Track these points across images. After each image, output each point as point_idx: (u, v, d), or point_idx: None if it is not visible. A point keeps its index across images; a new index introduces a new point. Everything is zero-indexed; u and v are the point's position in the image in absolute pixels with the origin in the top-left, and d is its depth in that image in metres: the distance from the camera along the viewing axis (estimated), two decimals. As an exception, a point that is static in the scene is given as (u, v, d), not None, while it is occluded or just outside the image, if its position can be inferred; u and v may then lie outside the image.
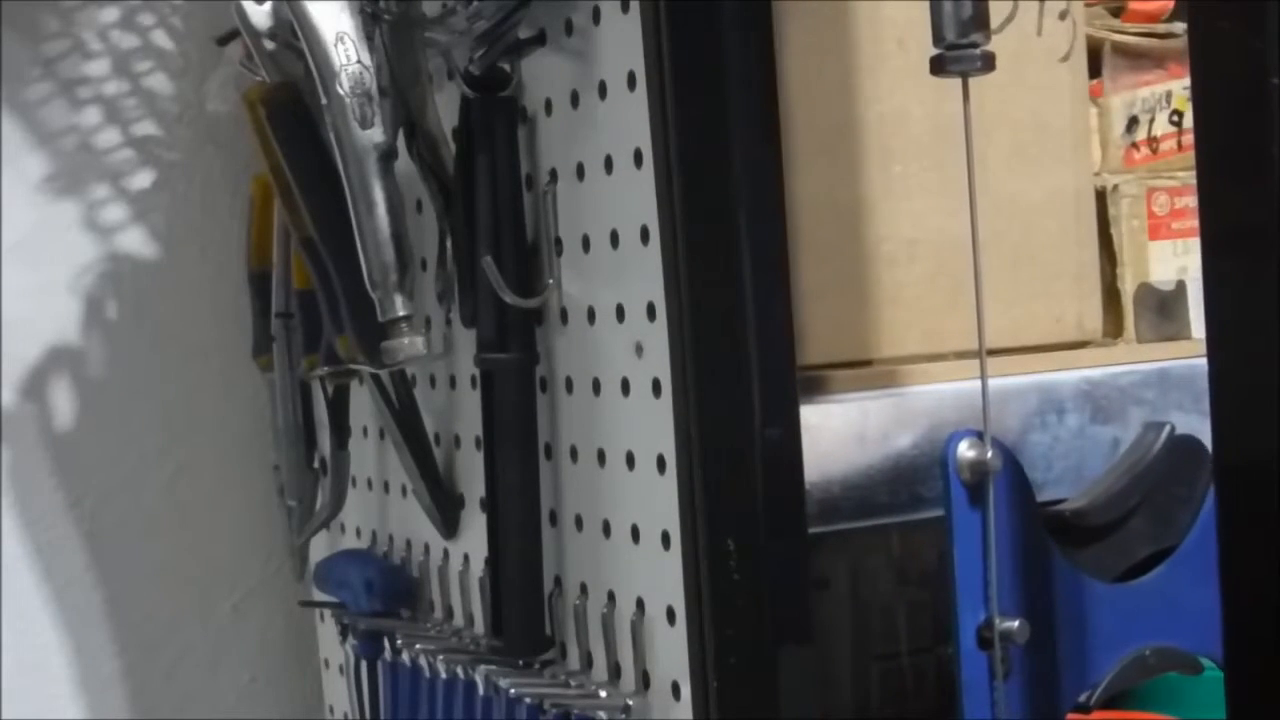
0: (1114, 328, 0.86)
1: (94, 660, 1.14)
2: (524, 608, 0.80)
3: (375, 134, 0.75)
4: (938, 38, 0.60)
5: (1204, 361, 0.51)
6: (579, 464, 0.79)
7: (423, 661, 0.89)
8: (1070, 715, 0.68)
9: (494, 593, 0.82)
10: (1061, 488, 0.75)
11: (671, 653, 0.72)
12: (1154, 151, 0.90)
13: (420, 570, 0.96)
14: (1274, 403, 0.48)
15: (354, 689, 0.99)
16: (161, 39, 1.14)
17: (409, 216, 0.86)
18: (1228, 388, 0.50)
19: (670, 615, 0.72)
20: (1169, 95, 0.91)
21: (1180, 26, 0.91)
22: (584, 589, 0.79)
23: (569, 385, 0.79)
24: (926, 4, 0.60)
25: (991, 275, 0.66)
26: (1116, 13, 0.91)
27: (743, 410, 0.66)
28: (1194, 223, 0.88)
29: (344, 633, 1.01)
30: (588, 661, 0.79)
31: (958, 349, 0.76)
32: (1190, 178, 0.88)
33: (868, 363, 0.77)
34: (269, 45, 0.85)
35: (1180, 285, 0.88)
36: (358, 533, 1.05)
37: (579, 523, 0.80)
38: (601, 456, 0.77)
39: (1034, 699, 0.66)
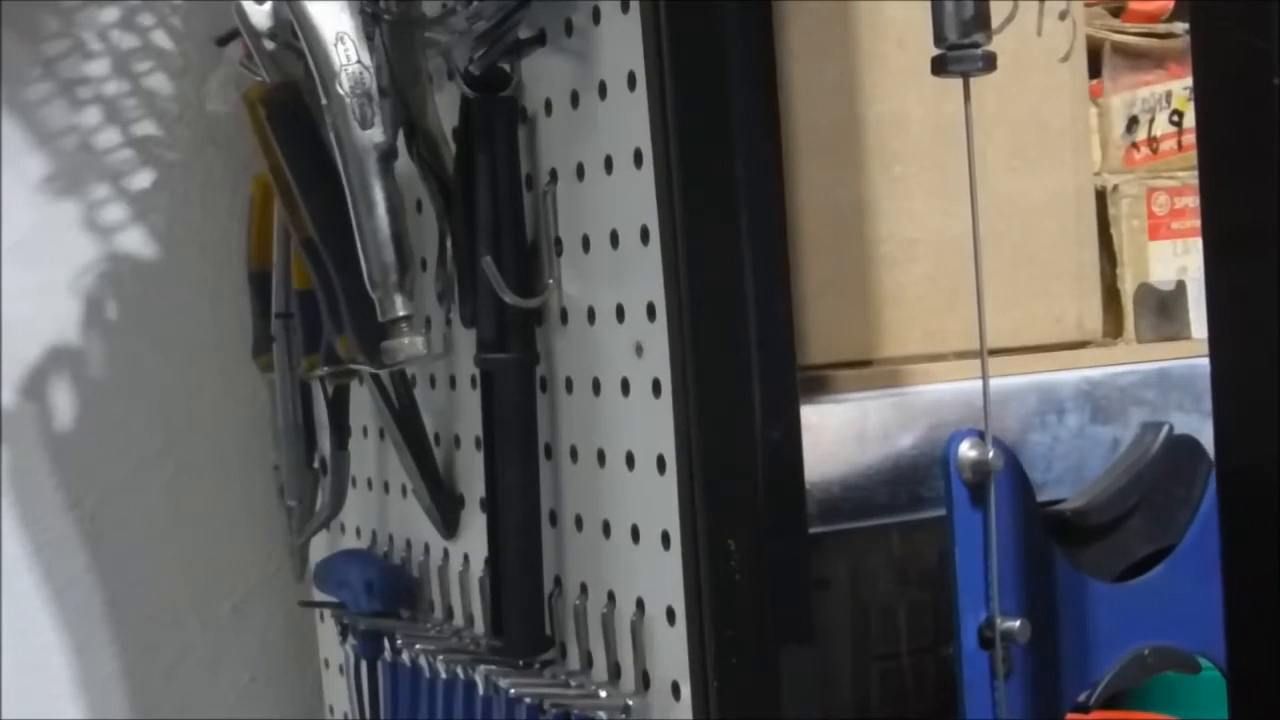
0: (1114, 328, 0.86)
1: (94, 660, 1.14)
2: (524, 608, 0.80)
3: (375, 134, 0.75)
4: (939, 38, 0.60)
5: (1204, 361, 0.51)
6: (579, 464, 0.79)
7: (423, 661, 0.89)
8: (1070, 715, 0.68)
9: (494, 593, 0.82)
10: (1061, 488, 0.75)
11: (671, 653, 0.72)
12: (1154, 151, 0.90)
13: (420, 570, 0.96)
14: (1276, 403, 0.48)
15: (354, 689, 0.99)
16: (161, 39, 1.14)
17: (409, 216, 0.86)
18: (1230, 388, 0.50)
19: (670, 615, 0.72)
20: (1169, 95, 0.91)
21: (1180, 26, 0.91)
22: (584, 589, 0.79)
23: (569, 385, 0.79)
24: (927, 4, 0.60)
25: (992, 275, 0.66)
26: (1116, 13, 0.91)
27: (743, 410, 0.66)
28: (1194, 223, 0.89)
29: (344, 633, 1.01)
30: (588, 661, 0.79)
31: (958, 349, 0.76)
32: (1190, 178, 0.89)
33: (868, 363, 0.76)
34: (269, 45, 0.85)
35: (1180, 285, 0.88)
36: (358, 533, 1.05)
37: (579, 523, 0.80)
38: (601, 456, 0.77)
39: (1034, 698, 0.66)
